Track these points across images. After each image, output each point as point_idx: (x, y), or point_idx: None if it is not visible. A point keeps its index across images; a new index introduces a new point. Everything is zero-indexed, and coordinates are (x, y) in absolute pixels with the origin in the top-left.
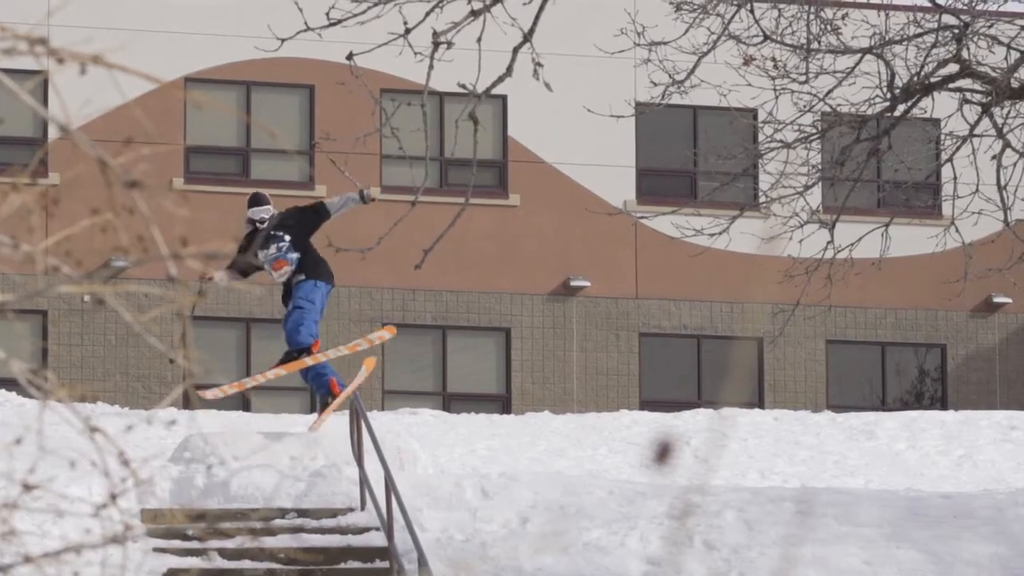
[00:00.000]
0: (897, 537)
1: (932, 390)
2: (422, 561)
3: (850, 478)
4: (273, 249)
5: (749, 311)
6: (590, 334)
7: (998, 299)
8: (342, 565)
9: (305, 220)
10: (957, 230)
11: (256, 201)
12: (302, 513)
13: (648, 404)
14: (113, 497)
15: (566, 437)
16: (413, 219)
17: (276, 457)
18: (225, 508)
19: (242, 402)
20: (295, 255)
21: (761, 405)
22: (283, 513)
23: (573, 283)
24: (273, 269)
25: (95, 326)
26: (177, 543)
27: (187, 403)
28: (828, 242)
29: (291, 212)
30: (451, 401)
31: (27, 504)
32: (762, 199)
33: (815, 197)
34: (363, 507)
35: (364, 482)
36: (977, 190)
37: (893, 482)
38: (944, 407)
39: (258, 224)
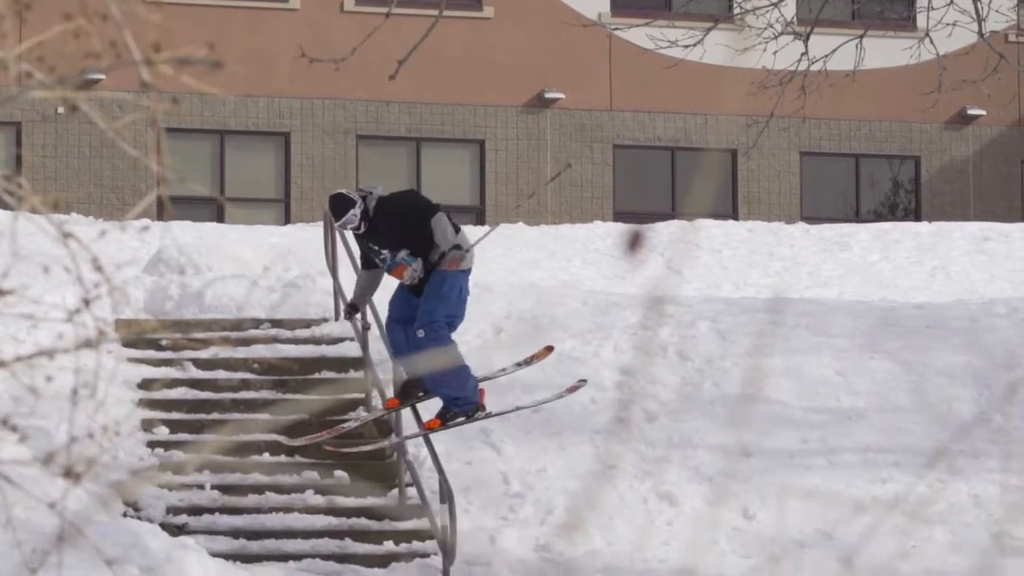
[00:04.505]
0: (870, 347)
1: (906, 202)
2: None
3: (823, 289)
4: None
5: (723, 123)
6: (564, 146)
7: (972, 111)
8: (316, 375)
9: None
10: (931, 42)
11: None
12: (276, 323)
13: (622, 216)
14: (86, 302)
15: (540, 248)
16: (386, 30)
17: (250, 267)
18: (199, 318)
19: (216, 212)
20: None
21: (735, 216)
22: (257, 323)
23: (547, 95)
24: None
25: (69, 137)
26: (151, 353)
27: (161, 213)
28: (802, 53)
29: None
30: None
31: (1, 310)
32: (736, 10)
33: (789, 8)
34: (337, 318)
35: (338, 292)
36: (952, 1)
37: (866, 293)
38: (918, 219)
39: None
